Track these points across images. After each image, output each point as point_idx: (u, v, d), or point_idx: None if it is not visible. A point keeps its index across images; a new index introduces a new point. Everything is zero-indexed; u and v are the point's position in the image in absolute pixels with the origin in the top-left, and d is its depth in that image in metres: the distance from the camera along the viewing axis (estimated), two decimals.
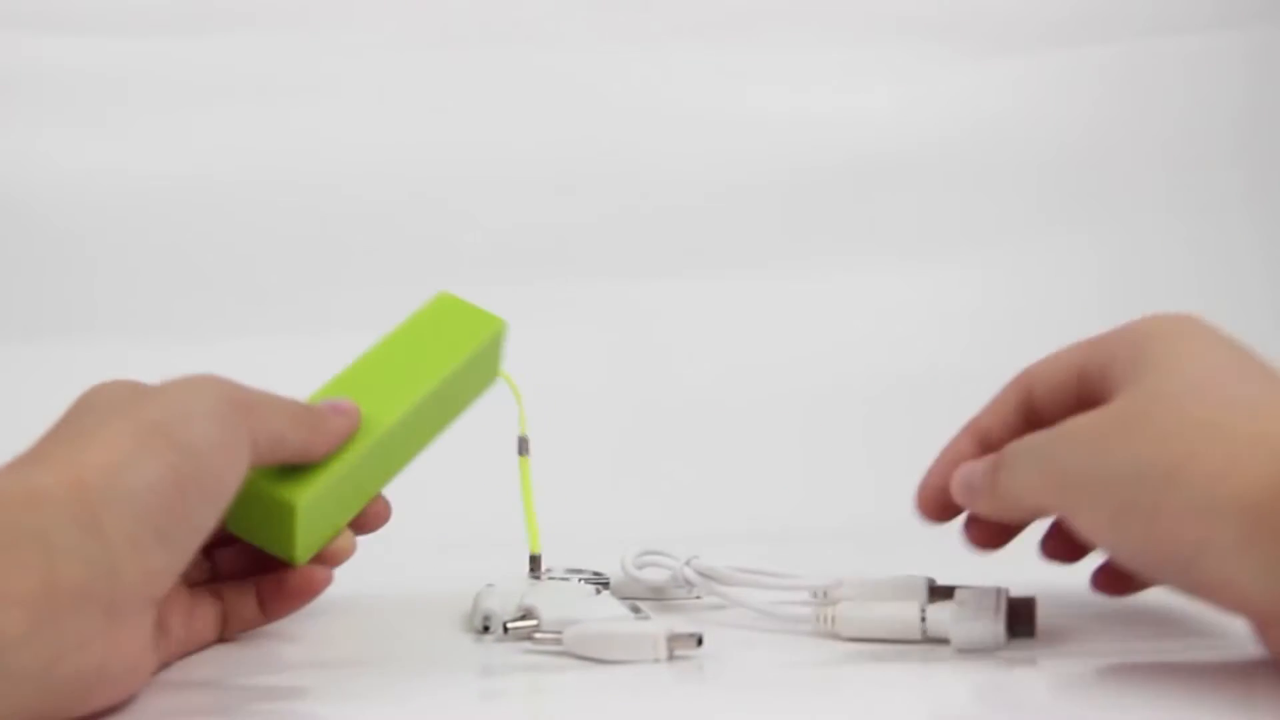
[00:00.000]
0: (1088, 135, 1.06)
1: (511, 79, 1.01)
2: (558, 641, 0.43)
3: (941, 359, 0.96)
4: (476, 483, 0.66)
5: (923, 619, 0.43)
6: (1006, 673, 0.40)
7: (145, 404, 0.39)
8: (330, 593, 0.49)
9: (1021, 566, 0.47)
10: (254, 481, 0.43)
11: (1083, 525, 0.39)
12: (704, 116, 1.02)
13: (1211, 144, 1.06)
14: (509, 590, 0.55)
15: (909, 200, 1.02)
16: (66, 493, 0.35)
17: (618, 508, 0.80)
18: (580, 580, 0.54)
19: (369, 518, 0.50)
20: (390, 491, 0.51)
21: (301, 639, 0.47)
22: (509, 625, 0.45)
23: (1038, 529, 0.47)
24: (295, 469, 0.44)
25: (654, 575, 0.50)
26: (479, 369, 0.54)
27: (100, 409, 0.40)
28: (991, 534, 0.47)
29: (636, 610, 0.46)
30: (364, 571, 0.50)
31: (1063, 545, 0.46)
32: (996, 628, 0.42)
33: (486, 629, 0.46)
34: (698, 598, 0.52)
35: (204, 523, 0.39)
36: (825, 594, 0.46)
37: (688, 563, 0.49)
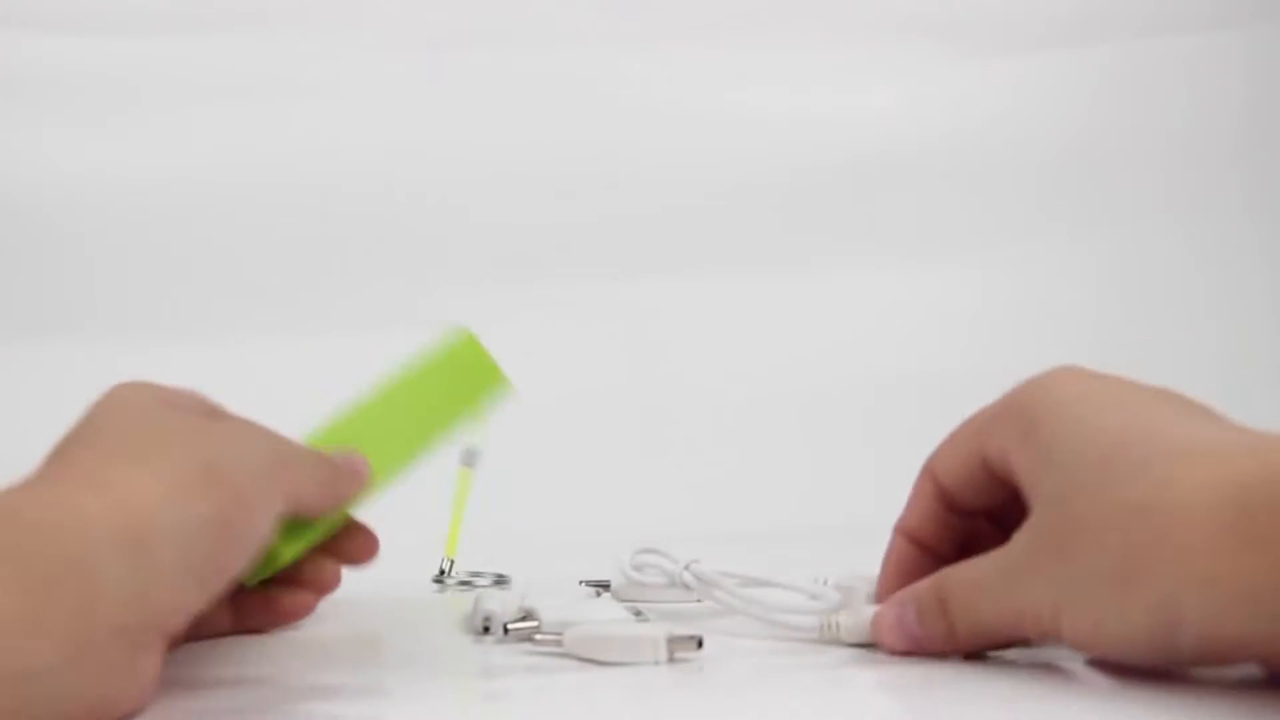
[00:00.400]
0: (1088, 135, 1.06)
1: (511, 79, 1.01)
2: (558, 643, 0.43)
3: (941, 358, 0.96)
4: (477, 482, 0.66)
5: None
6: (1011, 674, 0.40)
7: (200, 441, 0.39)
8: (331, 593, 0.49)
9: None
10: None
11: (1068, 640, 0.38)
12: (704, 116, 1.02)
13: (1211, 144, 1.07)
14: (510, 591, 0.55)
15: (909, 200, 1.02)
16: (118, 523, 0.35)
17: (617, 508, 0.80)
18: (579, 582, 0.54)
19: (356, 552, 0.50)
20: (391, 491, 0.51)
21: (302, 639, 0.47)
22: (509, 626, 0.45)
23: None
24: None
25: (651, 577, 0.50)
26: (473, 419, 0.54)
27: (140, 426, 0.40)
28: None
29: (637, 613, 0.46)
30: (365, 572, 0.50)
31: None
32: None
33: (487, 630, 0.46)
34: (697, 601, 0.52)
35: (236, 568, 0.39)
36: (827, 600, 0.45)
37: (687, 567, 0.49)
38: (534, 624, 0.45)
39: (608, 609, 0.48)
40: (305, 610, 0.48)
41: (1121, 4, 1.08)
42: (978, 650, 0.41)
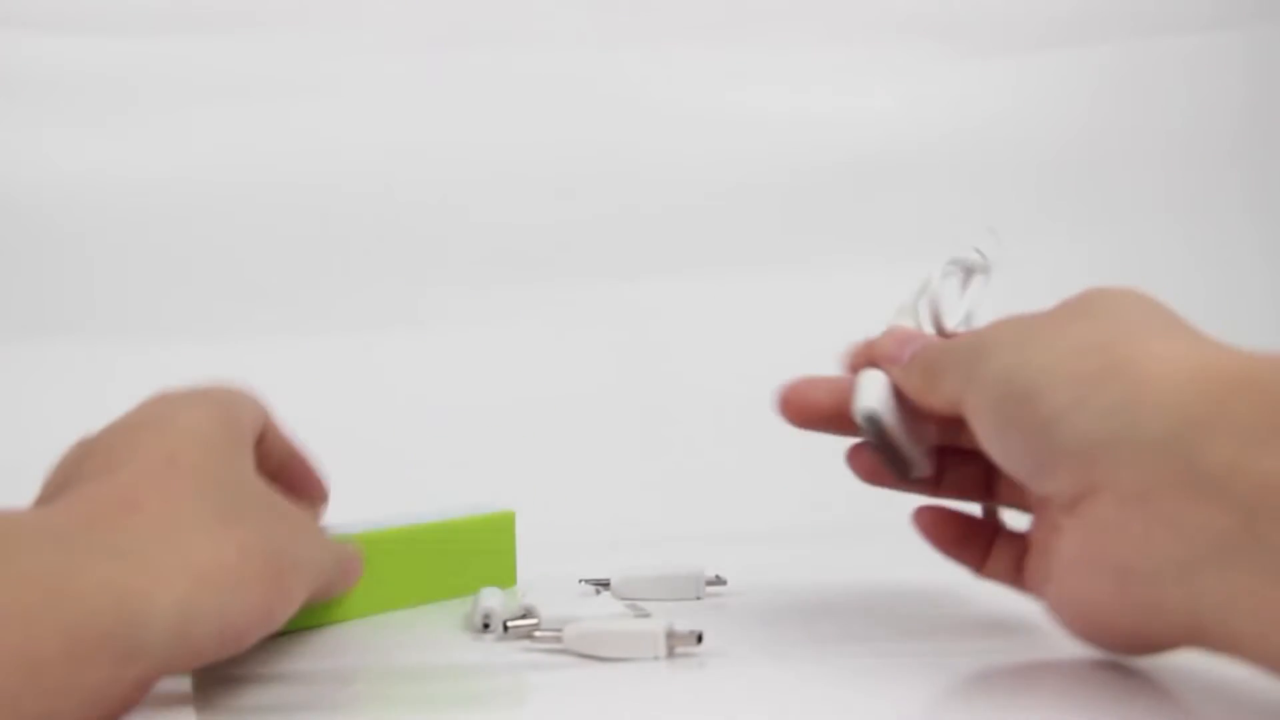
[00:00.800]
0: (1088, 135, 1.06)
1: (511, 79, 1.01)
2: (558, 639, 0.43)
3: None
4: (477, 482, 0.66)
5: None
6: (1014, 669, 0.40)
7: (268, 527, 0.39)
8: None
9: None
10: None
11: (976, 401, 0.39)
12: (704, 116, 1.02)
13: (1211, 144, 1.07)
14: (509, 589, 0.55)
15: (909, 200, 1.02)
16: (168, 600, 0.34)
17: (617, 508, 0.80)
18: (579, 580, 0.55)
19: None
20: (392, 488, 0.51)
21: (301, 638, 0.47)
22: (509, 624, 0.45)
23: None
24: None
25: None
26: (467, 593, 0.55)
27: (208, 482, 0.38)
28: (876, 467, 0.47)
29: (638, 611, 0.46)
30: None
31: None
32: None
33: (487, 627, 0.46)
34: (697, 599, 0.53)
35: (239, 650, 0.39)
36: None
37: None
38: (533, 621, 0.45)
39: (607, 606, 0.48)
40: None
41: (1121, 4, 1.08)
42: (921, 400, 0.43)
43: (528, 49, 1.02)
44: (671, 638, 0.42)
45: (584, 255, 0.98)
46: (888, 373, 0.45)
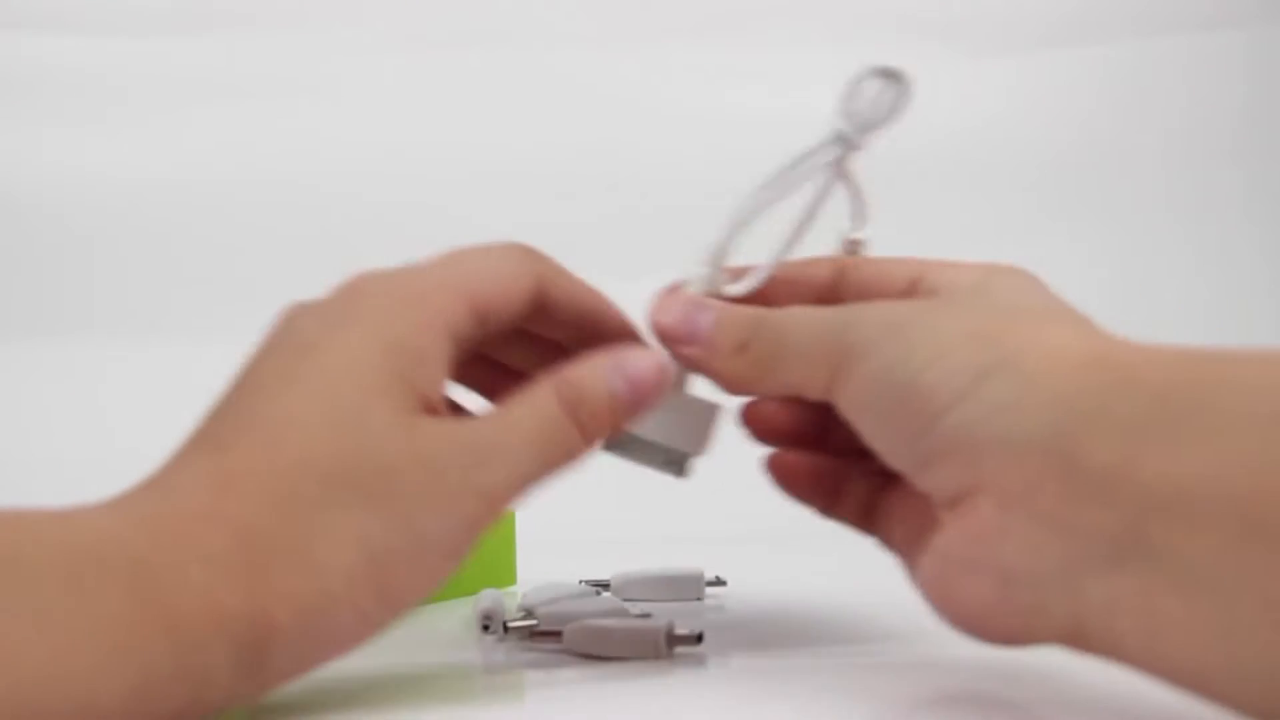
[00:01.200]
0: (1088, 135, 1.06)
1: (511, 79, 1.01)
2: (558, 639, 0.43)
3: None
4: None
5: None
6: (1015, 670, 0.40)
7: (375, 511, 0.33)
8: None
9: None
10: None
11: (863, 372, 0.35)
12: (704, 116, 1.02)
13: (1211, 144, 1.07)
14: (509, 589, 0.55)
15: (909, 200, 1.02)
16: (247, 624, 0.31)
17: (617, 508, 0.80)
18: (579, 581, 0.55)
19: None
20: None
21: None
22: (509, 624, 0.45)
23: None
24: None
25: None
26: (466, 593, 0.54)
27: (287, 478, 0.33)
28: (778, 425, 0.43)
29: (638, 612, 0.47)
30: None
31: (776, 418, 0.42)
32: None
33: (487, 628, 0.46)
34: (698, 599, 0.53)
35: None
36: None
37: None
38: (533, 621, 0.45)
39: (607, 606, 0.48)
40: None
41: (1121, 4, 1.08)
42: (742, 388, 0.40)
43: (527, 49, 1.02)
44: (672, 637, 0.42)
45: (584, 255, 0.98)
46: (676, 354, 0.40)
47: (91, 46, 0.98)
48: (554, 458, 0.37)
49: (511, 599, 0.48)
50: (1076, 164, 1.05)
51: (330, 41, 1.00)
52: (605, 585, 0.54)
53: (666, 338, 0.40)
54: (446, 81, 1.01)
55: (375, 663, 0.44)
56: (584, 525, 0.71)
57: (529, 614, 0.46)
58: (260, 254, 0.97)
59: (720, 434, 0.42)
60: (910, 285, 0.40)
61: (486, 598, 0.47)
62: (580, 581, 0.55)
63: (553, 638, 0.44)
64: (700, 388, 0.42)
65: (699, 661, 0.42)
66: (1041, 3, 1.07)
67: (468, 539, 0.35)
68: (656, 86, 1.03)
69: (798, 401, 0.41)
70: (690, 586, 0.54)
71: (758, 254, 0.41)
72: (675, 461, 0.42)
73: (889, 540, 0.41)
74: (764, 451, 0.43)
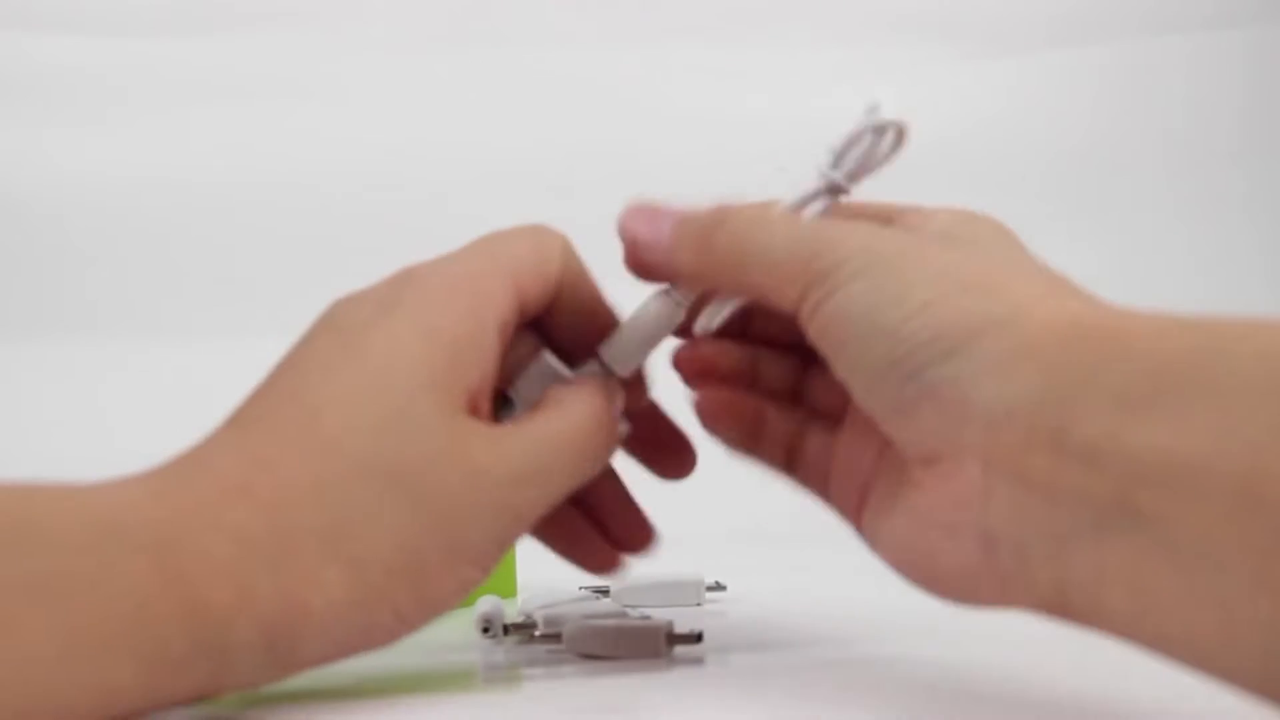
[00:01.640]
0: (1088, 135, 1.06)
1: (511, 79, 1.01)
2: (558, 639, 0.43)
3: None
4: None
5: None
6: (1016, 670, 0.40)
7: (405, 510, 0.33)
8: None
9: None
10: None
11: (833, 306, 0.33)
12: (704, 116, 1.02)
13: (1211, 144, 1.07)
14: (510, 599, 0.55)
15: (908, 200, 1.03)
16: (277, 608, 0.31)
17: None
18: (579, 587, 0.54)
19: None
20: None
21: None
22: (509, 626, 0.45)
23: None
24: None
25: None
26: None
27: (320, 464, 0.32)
28: (706, 365, 0.41)
29: (638, 614, 0.47)
30: None
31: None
32: None
33: (487, 630, 0.46)
34: (697, 604, 0.53)
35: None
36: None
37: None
38: (532, 624, 0.45)
39: (606, 608, 0.48)
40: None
41: (1121, 4, 1.08)
42: (706, 285, 0.38)
43: (527, 49, 1.02)
44: (672, 637, 0.42)
45: (584, 256, 0.98)
46: (644, 260, 0.39)
47: (91, 46, 0.98)
48: (591, 469, 0.37)
49: (512, 608, 0.48)
50: (1076, 164, 1.05)
51: (330, 42, 1.00)
52: (605, 591, 0.54)
53: (632, 243, 0.39)
54: (447, 81, 1.01)
55: (375, 663, 0.44)
56: None
57: (528, 617, 0.46)
58: (260, 254, 0.97)
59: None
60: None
61: (485, 603, 0.47)
62: (580, 588, 0.55)
63: (552, 640, 0.44)
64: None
65: (698, 661, 0.41)
66: (1041, 3, 1.07)
67: (500, 553, 0.35)
68: (656, 86, 1.03)
69: (728, 343, 0.40)
70: (690, 592, 0.54)
71: None
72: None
73: (821, 491, 0.39)
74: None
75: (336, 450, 0.32)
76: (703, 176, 1.04)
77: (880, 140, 0.39)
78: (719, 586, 0.55)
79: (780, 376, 0.41)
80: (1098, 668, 0.39)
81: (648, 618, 0.45)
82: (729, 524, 0.78)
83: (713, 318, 0.39)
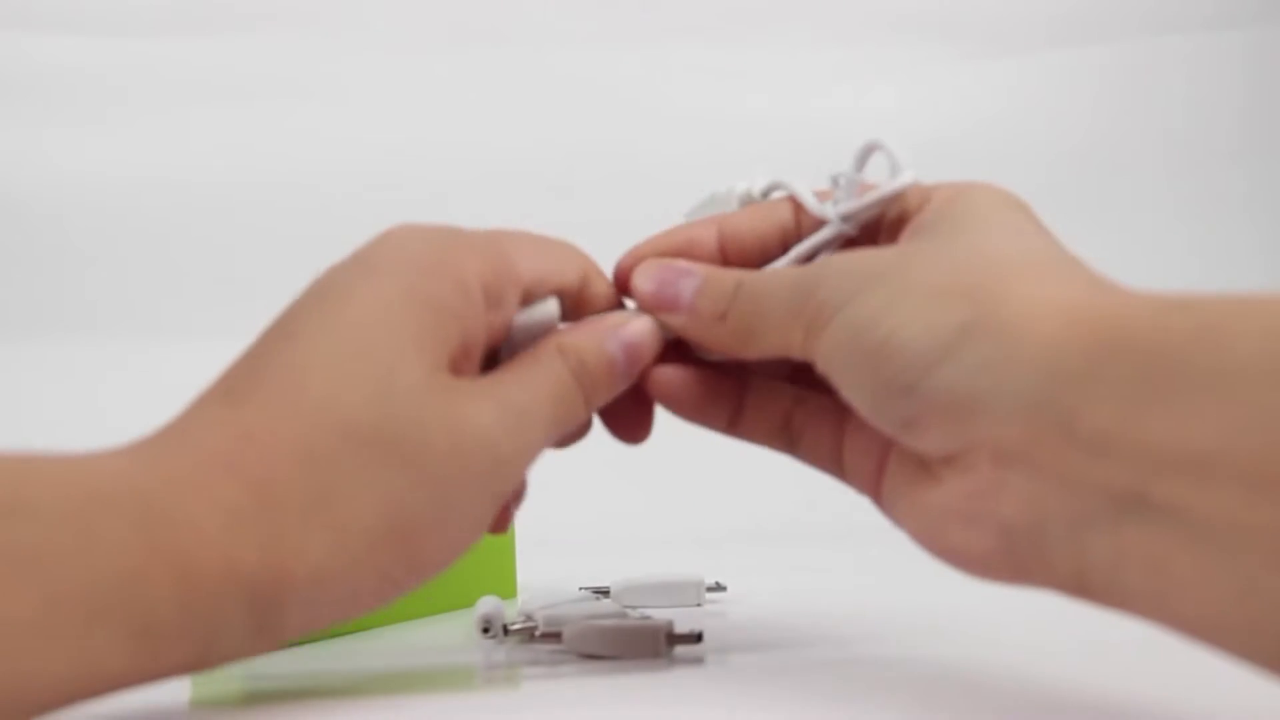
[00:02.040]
0: (1088, 135, 1.06)
1: (511, 79, 1.01)
2: (558, 639, 0.43)
3: None
4: None
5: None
6: (1017, 670, 0.40)
7: (391, 481, 0.33)
8: None
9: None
10: None
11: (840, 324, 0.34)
12: (704, 116, 1.02)
13: (1211, 144, 1.07)
14: (510, 601, 0.55)
15: None
16: (263, 579, 0.31)
17: (618, 508, 0.80)
18: (579, 588, 0.54)
19: None
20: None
21: (298, 649, 0.47)
22: (509, 627, 0.45)
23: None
24: None
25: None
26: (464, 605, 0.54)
27: (311, 432, 0.32)
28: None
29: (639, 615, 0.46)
30: None
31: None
32: None
33: (487, 631, 0.46)
34: (697, 605, 0.53)
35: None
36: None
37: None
38: (533, 624, 0.45)
39: (606, 608, 0.48)
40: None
41: (1121, 4, 1.08)
42: (723, 353, 0.38)
43: (528, 49, 1.02)
44: (672, 637, 0.42)
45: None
46: (660, 322, 0.39)
47: (91, 46, 0.98)
48: (565, 425, 0.37)
49: (512, 609, 0.49)
50: (1077, 164, 1.05)
51: (330, 42, 1.00)
52: (605, 592, 0.54)
53: (649, 305, 0.39)
54: (447, 81, 1.01)
55: (375, 663, 0.44)
56: (584, 525, 0.71)
57: (529, 618, 0.46)
58: (260, 254, 0.97)
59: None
60: (899, 219, 0.38)
61: (485, 603, 0.47)
62: (580, 588, 0.55)
63: (552, 640, 0.44)
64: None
65: (698, 661, 0.42)
66: (1041, 3, 1.07)
67: (490, 511, 0.35)
68: (656, 86, 1.03)
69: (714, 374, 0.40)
70: (690, 592, 0.54)
71: None
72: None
73: (831, 469, 0.39)
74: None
75: (323, 418, 0.32)
76: (703, 176, 1.04)
77: (887, 184, 0.39)
78: (719, 586, 0.55)
79: (773, 370, 0.41)
80: (1098, 667, 0.39)
81: (648, 618, 0.45)
82: (729, 524, 0.78)
83: None
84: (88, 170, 0.97)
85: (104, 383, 0.92)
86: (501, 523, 0.38)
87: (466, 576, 0.54)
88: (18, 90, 0.97)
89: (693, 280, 0.38)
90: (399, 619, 0.51)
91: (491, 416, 0.34)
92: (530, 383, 0.36)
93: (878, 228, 0.39)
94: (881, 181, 0.38)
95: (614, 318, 0.38)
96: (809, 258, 0.39)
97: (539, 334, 0.38)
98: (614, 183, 1.01)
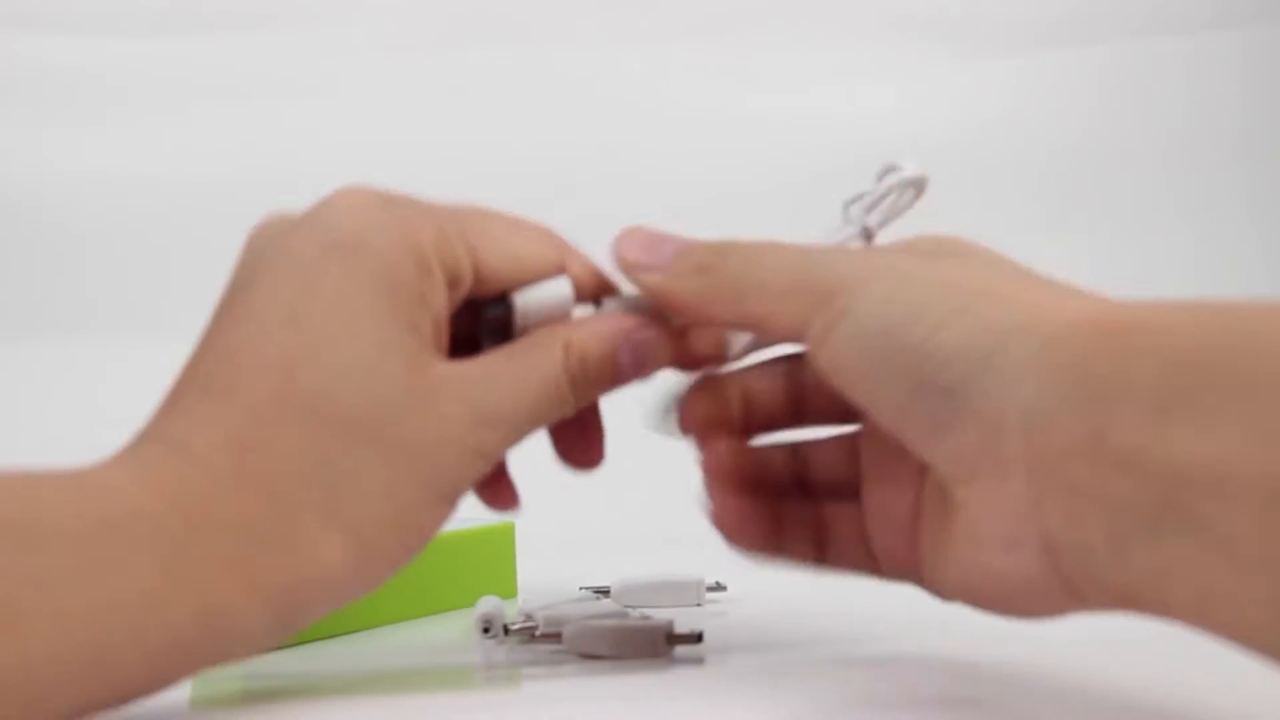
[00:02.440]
0: (1088, 135, 1.06)
1: (512, 79, 1.01)
2: (558, 639, 0.43)
3: None
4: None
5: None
6: (1017, 670, 0.40)
7: (380, 475, 0.33)
8: None
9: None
10: None
11: (842, 333, 0.33)
12: (704, 116, 1.02)
13: (1211, 144, 1.07)
14: (510, 600, 0.55)
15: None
16: (283, 589, 0.31)
17: (618, 508, 0.80)
18: (579, 588, 0.54)
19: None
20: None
21: (298, 650, 0.47)
22: (509, 626, 0.45)
23: None
24: None
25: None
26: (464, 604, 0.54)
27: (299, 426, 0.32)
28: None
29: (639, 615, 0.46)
30: None
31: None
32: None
33: (487, 631, 0.46)
34: (697, 605, 0.53)
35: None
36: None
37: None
38: (533, 624, 0.45)
39: (606, 608, 0.48)
40: None
41: (1121, 4, 1.08)
42: (703, 316, 0.37)
43: (528, 49, 1.02)
44: (672, 636, 0.42)
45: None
46: (639, 284, 0.38)
47: (91, 46, 0.98)
48: (548, 419, 0.37)
49: (512, 609, 0.48)
50: (1077, 164, 1.05)
51: (330, 42, 1.00)
52: (605, 592, 0.54)
53: (629, 267, 0.38)
54: (447, 81, 1.01)
55: (375, 663, 0.44)
56: (583, 525, 0.71)
57: (529, 618, 0.46)
58: None
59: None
60: None
61: (486, 603, 0.47)
62: (580, 588, 0.55)
63: (552, 640, 0.44)
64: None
65: (698, 661, 0.42)
66: (1041, 3, 1.07)
67: (465, 490, 0.36)
68: (657, 86, 1.03)
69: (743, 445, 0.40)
70: (690, 592, 0.54)
71: None
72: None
73: (864, 563, 0.39)
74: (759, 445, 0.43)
75: (316, 416, 0.32)
76: (703, 176, 1.04)
77: (908, 191, 0.41)
78: (719, 586, 0.55)
79: (783, 462, 0.41)
80: (1100, 667, 0.39)
81: (648, 618, 0.45)
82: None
83: (732, 346, 0.39)
84: (88, 170, 0.97)
85: (104, 383, 0.92)
86: (506, 498, 0.40)
87: (466, 576, 0.54)
88: (18, 90, 0.97)
89: (673, 242, 0.38)
90: (399, 619, 0.51)
91: (474, 413, 0.35)
92: (519, 380, 0.36)
93: None
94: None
95: (625, 322, 0.38)
96: None
97: (548, 316, 0.37)
98: (614, 182, 1.01)
